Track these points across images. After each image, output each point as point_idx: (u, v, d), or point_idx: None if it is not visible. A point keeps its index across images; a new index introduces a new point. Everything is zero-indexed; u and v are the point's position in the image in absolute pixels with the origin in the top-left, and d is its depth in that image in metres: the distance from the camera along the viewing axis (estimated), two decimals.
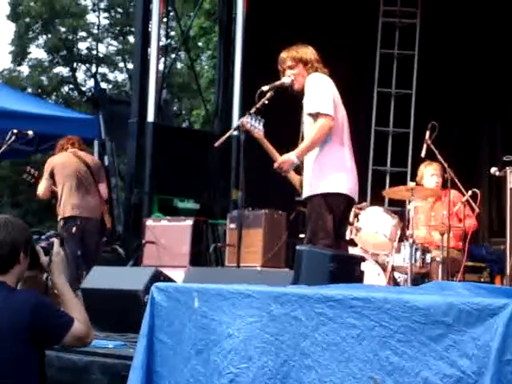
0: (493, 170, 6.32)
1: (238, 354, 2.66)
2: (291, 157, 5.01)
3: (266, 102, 5.23)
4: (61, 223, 7.36)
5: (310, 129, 5.07)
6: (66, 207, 7.30)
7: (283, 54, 5.25)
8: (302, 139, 5.15)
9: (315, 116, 5.01)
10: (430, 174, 7.13)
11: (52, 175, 7.38)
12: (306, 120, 5.13)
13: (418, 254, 6.57)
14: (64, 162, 7.44)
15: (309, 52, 5.21)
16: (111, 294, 5.58)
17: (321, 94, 5.01)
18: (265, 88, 5.25)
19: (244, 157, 5.67)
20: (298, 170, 5.21)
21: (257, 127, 5.24)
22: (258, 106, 5.23)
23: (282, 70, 5.25)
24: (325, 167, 5.00)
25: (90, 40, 29.55)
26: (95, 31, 29.62)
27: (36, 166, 8.25)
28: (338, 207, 4.99)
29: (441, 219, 6.86)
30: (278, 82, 5.26)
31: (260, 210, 7.94)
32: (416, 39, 10.47)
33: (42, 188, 7.39)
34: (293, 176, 5.28)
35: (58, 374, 4.17)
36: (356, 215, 6.61)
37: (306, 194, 5.10)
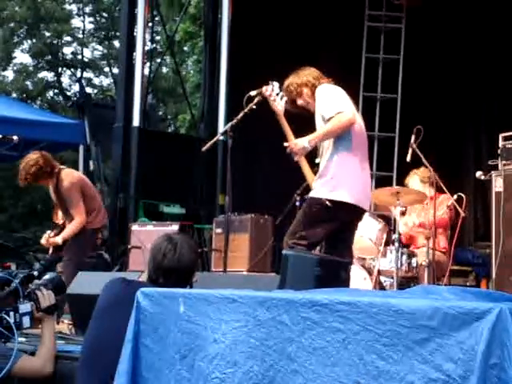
0: (478, 174, 6.34)
1: (224, 359, 2.66)
2: (303, 141, 4.85)
3: (254, 106, 5.19)
4: None
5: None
6: None
7: (285, 83, 5.14)
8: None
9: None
10: (417, 182, 7.11)
11: None
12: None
13: (404, 258, 6.58)
14: None
15: (309, 74, 5.11)
16: (97, 299, 5.55)
17: (334, 98, 4.92)
18: (253, 93, 5.21)
19: (230, 162, 5.65)
20: (315, 170, 5.10)
21: (277, 100, 5.12)
22: (245, 110, 5.20)
23: (289, 99, 5.13)
24: (338, 174, 4.88)
25: (75, 45, 29.51)
26: (80, 36, 29.57)
27: None
28: (339, 214, 4.87)
29: (428, 223, 6.84)
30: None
31: (246, 214, 7.93)
32: (401, 43, 10.51)
33: None
34: (308, 174, 5.18)
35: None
36: None
37: (311, 194, 4.99)
